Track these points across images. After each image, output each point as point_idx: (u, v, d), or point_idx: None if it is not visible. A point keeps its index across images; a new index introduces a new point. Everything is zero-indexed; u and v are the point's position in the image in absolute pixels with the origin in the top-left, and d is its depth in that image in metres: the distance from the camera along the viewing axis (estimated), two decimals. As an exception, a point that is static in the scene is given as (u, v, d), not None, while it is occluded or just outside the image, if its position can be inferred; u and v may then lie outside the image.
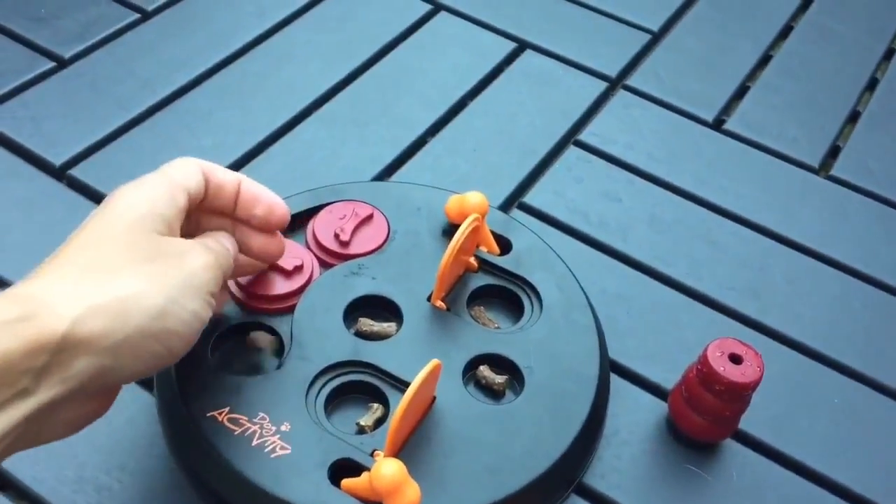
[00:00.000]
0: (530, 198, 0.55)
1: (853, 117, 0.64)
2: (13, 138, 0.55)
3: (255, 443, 0.39)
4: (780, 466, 0.44)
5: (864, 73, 0.67)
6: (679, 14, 0.71)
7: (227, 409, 0.40)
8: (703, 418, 0.42)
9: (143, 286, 0.32)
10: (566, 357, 0.44)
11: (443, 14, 0.68)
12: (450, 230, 0.48)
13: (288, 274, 0.44)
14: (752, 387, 0.40)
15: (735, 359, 0.40)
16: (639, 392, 0.46)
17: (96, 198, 0.52)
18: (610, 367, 0.47)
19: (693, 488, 0.43)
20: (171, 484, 0.40)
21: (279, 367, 0.42)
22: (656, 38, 0.68)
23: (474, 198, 0.46)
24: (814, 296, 0.52)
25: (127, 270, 0.32)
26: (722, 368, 0.40)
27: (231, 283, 0.44)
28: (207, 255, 0.36)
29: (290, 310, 0.44)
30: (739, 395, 0.40)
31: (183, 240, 0.36)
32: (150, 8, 0.65)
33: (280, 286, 0.44)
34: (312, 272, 0.45)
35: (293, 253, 0.45)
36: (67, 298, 0.30)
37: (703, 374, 0.41)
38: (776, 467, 0.44)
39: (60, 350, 0.30)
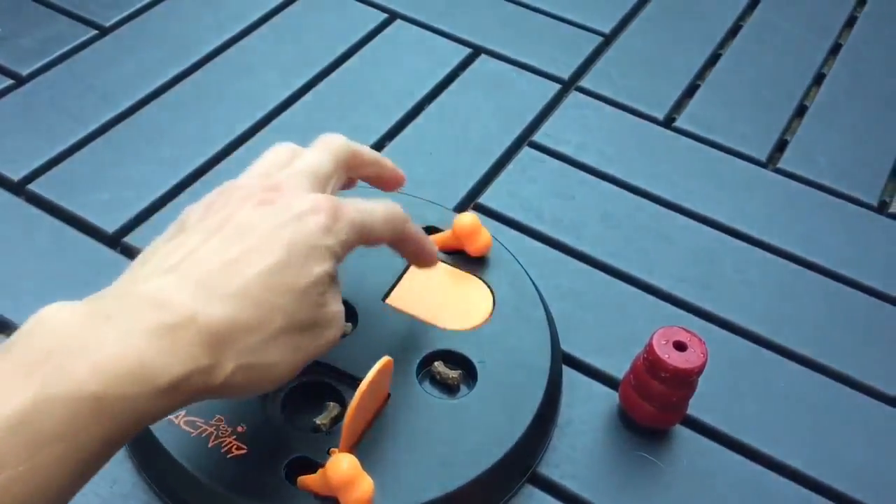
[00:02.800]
0: (486, 199, 0.57)
1: (800, 112, 0.66)
2: (-28, 155, 0.55)
3: (211, 444, 0.40)
4: (730, 450, 0.45)
5: (810, 68, 0.69)
6: (630, 16, 0.72)
7: (183, 413, 0.40)
8: (652, 405, 0.43)
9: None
10: (518, 351, 0.45)
11: (398, 22, 0.69)
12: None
13: None
14: (696, 372, 0.41)
15: (679, 346, 0.42)
16: (592, 383, 0.47)
17: (55, 211, 0.53)
18: (563, 359, 0.48)
19: (645, 474, 0.44)
20: (134, 486, 0.41)
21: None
22: (608, 40, 0.70)
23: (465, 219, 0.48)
24: (762, 285, 0.53)
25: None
26: (667, 356, 0.41)
27: None
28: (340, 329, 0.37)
29: None
30: (685, 380, 0.42)
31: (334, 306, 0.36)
32: (107, 24, 0.65)
33: None
34: None
35: None
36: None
37: (649, 361, 0.42)
38: (726, 451, 0.45)
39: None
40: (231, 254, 0.33)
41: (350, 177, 0.42)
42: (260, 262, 0.33)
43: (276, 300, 0.33)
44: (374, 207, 0.39)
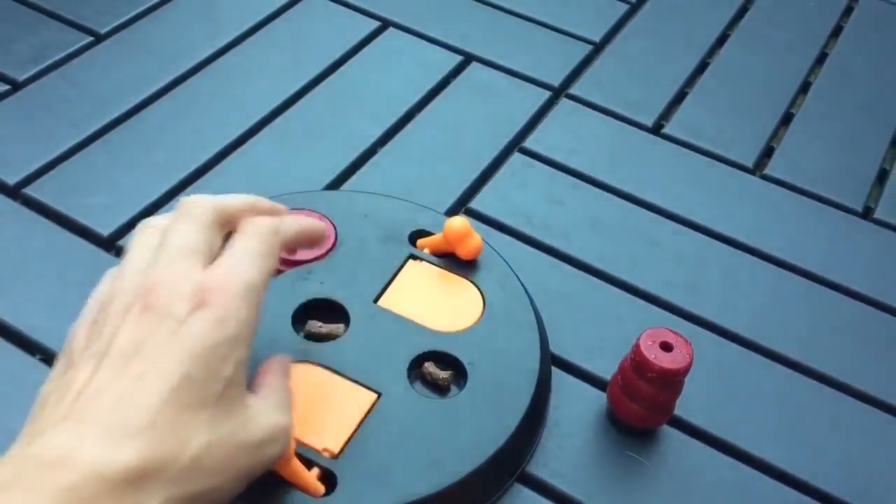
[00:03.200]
0: (476, 203, 0.57)
1: (787, 119, 0.67)
2: (-32, 159, 0.56)
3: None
4: (716, 450, 0.46)
5: (797, 76, 0.70)
6: (620, 25, 0.73)
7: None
8: (639, 405, 0.44)
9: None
10: (508, 353, 0.46)
11: (391, 30, 0.70)
12: (400, 237, 0.50)
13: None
14: (682, 372, 0.42)
15: (666, 347, 0.42)
16: (580, 385, 0.48)
17: (51, 215, 0.53)
18: (552, 361, 0.48)
19: (633, 474, 0.45)
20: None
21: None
22: (598, 48, 0.71)
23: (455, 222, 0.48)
24: (748, 288, 0.54)
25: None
26: (654, 356, 0.42)
27: None
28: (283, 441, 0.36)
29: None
30: (671, 381, 0.42)
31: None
32: (102, 31, 0.66)
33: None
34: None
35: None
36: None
37: (636, 362, 0.43)
38: (713, 451, 0.46)
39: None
40: (123, 385, 0.30)
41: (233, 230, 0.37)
42: (159, 385, 0.30)
43: (190, 420, 0.31)
44: (248, 245, 0.35)
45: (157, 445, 0.30)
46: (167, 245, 0.34)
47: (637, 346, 0.43)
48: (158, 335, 0.31)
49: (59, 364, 0.34)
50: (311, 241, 0.41)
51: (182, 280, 0.33)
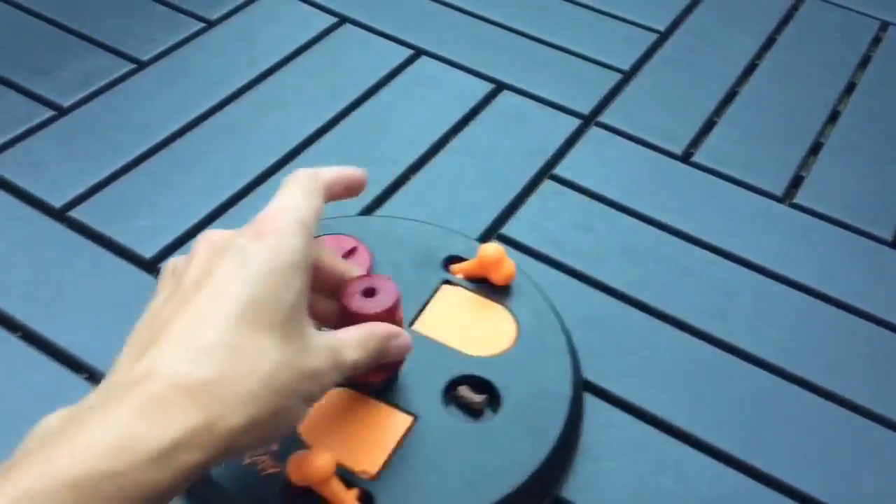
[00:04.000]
0: (508, 229, 0.58)
1: (815, 148, 0.67)
2: (15, 182, 0.57)
3: (246, 461, 0.41)
4: (749, 478, 0.46)
5: (825, 106, 0.71)
6: (649, 54, 0.74)
7: (219, 431, 0.42)
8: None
9: None
10: (541, 377, 0.46)
11: (424, 58, 0.71)
12: (435, 263, 0.51)
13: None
14: (395, 311, 0.41)
15: (369, 293, 0.41)
16: (612, 410, 0.49)
17: (95, 237, 0.55)
18: (584, 386, 0.49)
19: (664, 500, 0.45)
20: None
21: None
22: (627, 77, 0.72)
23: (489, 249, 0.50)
24: (778, 316, 0.54)
25: None
26: (358, 306, 0.40)
27: None
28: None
29: None
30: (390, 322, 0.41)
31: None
32: (145, 58, 0.68)
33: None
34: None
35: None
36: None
37: (349, 319, 0.40)
38: (743, 478, 0.46)
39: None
40: (195, 308, 0.33)
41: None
42: (229, 307, 0.32)
43: (259, 340, 0.32)
44: (294, 187, 0.38)
45: (231, 362, 0.32)
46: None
47: (343, 303, 0.41)
48: (224, 264, 0.34)
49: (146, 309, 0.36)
50: (349, 184, 0.41)
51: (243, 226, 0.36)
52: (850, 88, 0.73)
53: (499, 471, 0.42)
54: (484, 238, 0.57)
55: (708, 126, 0.68)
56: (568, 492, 0.45)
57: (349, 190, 0.41)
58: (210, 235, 0.36)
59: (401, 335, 0.41)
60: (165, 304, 0.34)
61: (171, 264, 0.37)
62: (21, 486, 0.27)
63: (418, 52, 0.72)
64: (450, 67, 0.71)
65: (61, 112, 0.63)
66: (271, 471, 0.41)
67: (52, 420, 0.31)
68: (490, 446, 0.43)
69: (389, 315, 0.41)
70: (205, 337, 0.32)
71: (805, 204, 0.62)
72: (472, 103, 0.68)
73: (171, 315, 0.33)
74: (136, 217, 0.56)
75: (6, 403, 0.46)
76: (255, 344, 0.32)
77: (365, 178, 0.42)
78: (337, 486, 0.40)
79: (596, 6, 0.78)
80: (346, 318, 0.41)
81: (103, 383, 0.32)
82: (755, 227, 0.60)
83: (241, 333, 0.32)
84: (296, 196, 0.37)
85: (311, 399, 0.35)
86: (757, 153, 0.66)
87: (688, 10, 0.79)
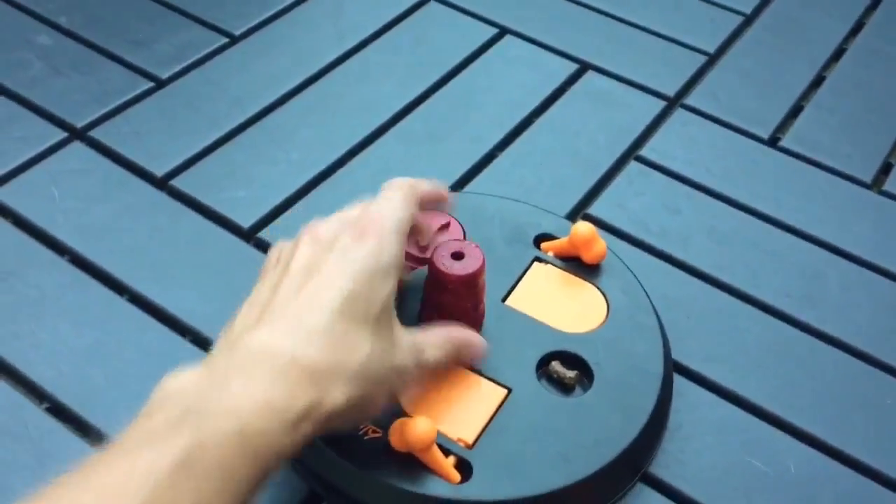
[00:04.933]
0: (594, 209, 0.59)
1: (905, 135, 0.66)
2: (119, 151, 0.60)
3: (349, 426, 0.43)
4: (836, 461, 0.47)
5: (916, 93, 0.70)
6: (734, 36, 0.74)
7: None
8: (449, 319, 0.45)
9: None
10: (632, 355, 0.47)
11: (509, 37, 0.72)
12: (526, 240, 0.52)
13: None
14: (478, 276, 0.44)
15: (457, 256, 0.45)
16: (700, 391, 0.49)
17: (195, 206, 0.57)
18: (673, 367, 0.50)
19: (753, 480, 0.46)
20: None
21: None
22: (712, 59, 0.71)
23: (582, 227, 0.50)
24: (867, 303, 0.54)
25: None
26: (445, 266, 0.44)
27: None
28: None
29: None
30: (472, 286, 0.45)
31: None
32: (237, 32, 0.70)
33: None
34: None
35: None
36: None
37: (434, 280, 0.44)
38: (832, 462, 0.47)
39: None
40: (303, 297, 0.36)
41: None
42: (332, 298, 0.36)
43: (357, 331, 0.36)
44: (393, 195, 0.41)
45: (335, 347, 0.35)
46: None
47: (432, 261, 0.44)
48: (329, 259, 0.37)
49: (253, 290, 0.39)
50: (439, 200, 0.45)
51: (342, 218, 0.40)
52: (941, 75, 0.72)
53: (591, 445, 0.43)
54: (570, 217, 0.58)
55: (795, 111, 0.68)
56: (657, 469, 0.46)
57: (437, 205, 0.45)
58: (316, 230, 0.39)
59: (476, 343, 0.44)
60: (276, 287, 0.37)
61: (276, 252, 0.41)
62: (191, 438, 0.30)
63: (503, 31, 0.72)
64: (534, 47, 0.71)
65: (159, 84, 0.65)
66: (373, 435, 0.42)
67: (190, 379, 0.33)
68: (582, 421, 0.44)
69: (473, 279, 0.44)
70: (311, 323, 0.35)
71: (894, 191, 0.62)
72: (557, 83, 0.68)
73: (277, 300, 0.36)
74: (233, 188, 0.58)
75: (117, 361, 0.48)
76: (352, 333, 0.36)
77: (452, 200, 0.46)
78: (437, 454, 0.41)
79: (681, -13, 0.78)
80: (433, 278, 0.45)
81: (224, 350, 0.35)
82: (843, 214, 0.60)
83: (343, 322, 0.35)
84: (395, 204, 0.40)
85: (393, 391, 0.39)
86: (845, 139, 0.65)
87: (774, -7, 0.78)
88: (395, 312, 0.39)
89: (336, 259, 0.37)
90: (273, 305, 0.36)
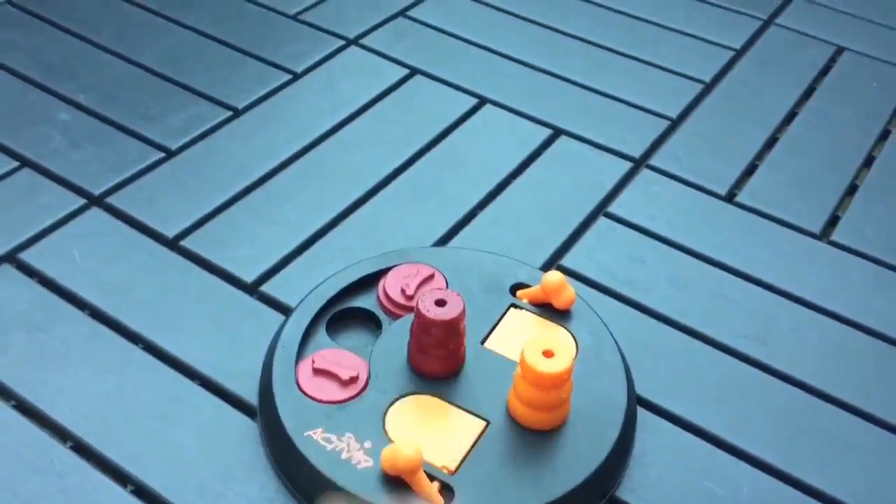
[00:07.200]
0: (566, 261, 0.65)
1: (851, 190, 0.73)
2: (133, 215, 0.65)
3: (343, 456, 0.48)
4: (785, 484, 0.52)
5: (861, 151, 0.76)
6: (695, 103, 0.81)
7: (320, 430, 0.49)
8: (433, 358, 0.51)
9: None
10: (599, 390, 0.52)
11: (488, 106, 0.79)
12: (502, 289, 0.57)
13: (344, 384, 0.51)
14: (459, 320, 0.50)
15: (440, 303, 0.50)
16: (662, 422, 0.54)
17: (202, 263, 0.62)
18: (637, 401, 0.55)
19: (710, 503, 0.50)
20: (274, 491, 0.49)
21: (360, 397, 0.51)
22: (675, 123, 0.78)
23: (553, 276, 0.56)
24: (815, 343, 0.60)
25: None
26: (428, 311, 0.50)
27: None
28: None
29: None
30: (454, 329, 0.50)
31: None
32: (240, 106, 0.76)
33: (337, 393, 0.51)
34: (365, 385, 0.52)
35: (350, 364, 0.52)
36: None
37: (420, 324, 0.50)
38: (781, 485, 0.51)
39: None
40: None
41: None
42: None
43: None
44: None
45: None
46: None
47: (417, 309, 0.50)
48: None
49: None
50: None
51: None
52: (884, 135, 0.79)
53: (562, 471, 0.48)
54: (545, 268, 0.64)
55: (750, 169, 0.74)
56: (622, 492, 0.50)
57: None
58: None
59: None
60: None
61: None
62: None
63: (483, 101, 0.79)
64: (511, 115, 0.78)
65: (169, 154, 0.71)
66: (364, 465, 0.47)
67: None
68: (554, 449, 0.49)
69: (455, 323, 0.50)
70: None
71: (841, 241, 0.68)
72: (532, 147, 0.74)
73: None
74: (237, 246, 0.64)
75: (134, 404, 0.53)
76: None
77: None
78: (423, 479, 0.46)
79: (646, 59, 0.85)
80: (419, 322, 0.50)
81: None
82: (794, 262, 0.66)
83: None
84: None
85: None
86: (796, 194, 0.72)
87: (732, 63, 0.86)
88: None
89: None
90: None
